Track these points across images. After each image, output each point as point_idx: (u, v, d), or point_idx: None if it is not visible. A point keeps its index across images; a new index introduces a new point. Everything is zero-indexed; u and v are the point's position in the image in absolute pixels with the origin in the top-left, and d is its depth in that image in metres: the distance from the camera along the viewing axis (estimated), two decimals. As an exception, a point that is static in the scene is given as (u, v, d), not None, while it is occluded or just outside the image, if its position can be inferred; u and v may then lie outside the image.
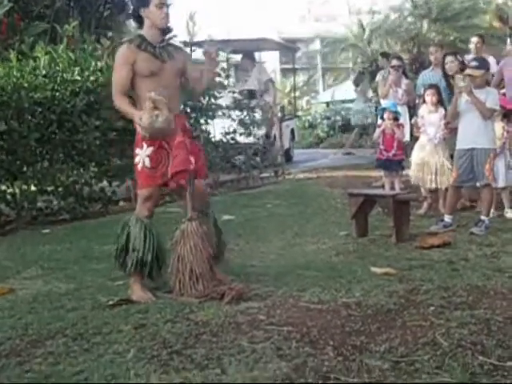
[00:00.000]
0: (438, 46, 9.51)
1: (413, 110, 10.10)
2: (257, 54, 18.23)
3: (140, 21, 4.76)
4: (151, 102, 4.47)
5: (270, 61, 24.18)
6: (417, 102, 8.96)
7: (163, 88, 4.58)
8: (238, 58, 15.87)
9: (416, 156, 7.75)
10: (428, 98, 7.71)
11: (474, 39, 9.50)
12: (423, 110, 7.79)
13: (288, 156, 16.35)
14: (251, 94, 13.77)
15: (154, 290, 4.67)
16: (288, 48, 19.25)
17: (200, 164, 4.77)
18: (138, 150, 4.70)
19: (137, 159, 4.70)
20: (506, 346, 3.34)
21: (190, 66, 4.93)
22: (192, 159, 4.60)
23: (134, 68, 4.62)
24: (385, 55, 14.83)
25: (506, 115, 7.35)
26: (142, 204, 4.76)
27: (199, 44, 12.34)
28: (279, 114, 15.72)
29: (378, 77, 14.95)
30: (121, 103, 4.67)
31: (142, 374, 3.21)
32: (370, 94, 16.70)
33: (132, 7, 4.81)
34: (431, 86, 7.90)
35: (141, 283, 4.67)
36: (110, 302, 4.41)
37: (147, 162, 4.65)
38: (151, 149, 4.63)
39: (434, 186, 7.50)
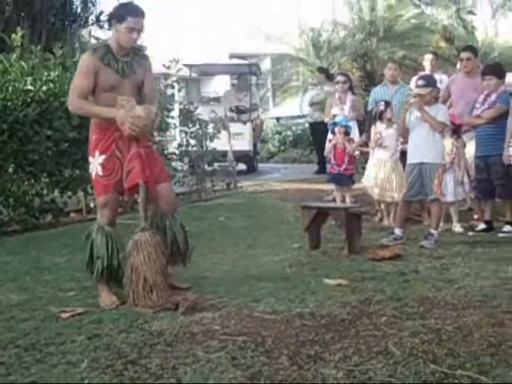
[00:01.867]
0: (397, 64, 9.56)
1: (362, 126, 10.24)
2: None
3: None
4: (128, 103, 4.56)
5: (221, 77, 24.29)
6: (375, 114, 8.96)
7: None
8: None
9: (376, 172, 7.86)
10: (381, 108, 7.88)
11: (428, 56, 9.64)
12: (380, 127, 7.92)
13: (255, 167, 17.88)
14: (240, 111, 16.29)
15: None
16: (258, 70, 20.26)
17: (159, 169, 4.86)
18: (90, 159, 4.77)
19: (90, 167, 4.79)
20: (456, 355, 3.41)
21: (148, 78, 4.93)
22: (147, 170, 4.64)
23: (96, 79, 4.63)
24: (322, 71, 15.08)
25: (455, 131, 7.52)
26: (100, 211, 4.84)
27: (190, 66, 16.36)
28: None
29: (314, 92, 15.18)
30: (84, 105, 4.67)
31: (97, 384, 3.19)
32: (307, 109, 16.83)
33: (110, 12, 4.81)
34: (384, 101, 8.07)
35: (107, 288, 4.72)
36: (63, 315, 4.36)
37: (99, 171, 4.71)
38: (103, 157, 4.69)
39: (394, 200, 7.61)
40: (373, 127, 8.12)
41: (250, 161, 16.90)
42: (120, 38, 4.65)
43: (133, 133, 4.56)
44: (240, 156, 15.32)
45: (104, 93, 4.66)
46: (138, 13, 4.67)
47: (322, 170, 14.41)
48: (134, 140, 4.64)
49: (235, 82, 21.23)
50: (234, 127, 14.87)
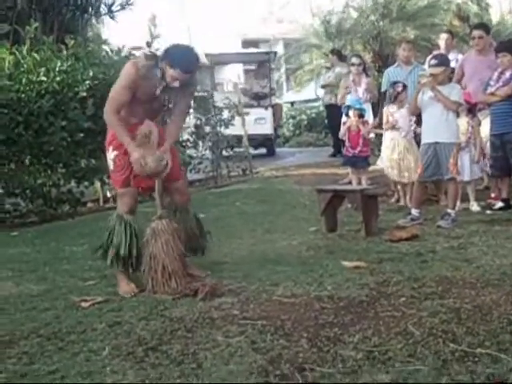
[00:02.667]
0: (412, 45, 9.43)
1: (376, 108, 10.18)
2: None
3: None
4: (145, 136, 4.57)
5: (233, 64, 24.34)
6: (388, 95, 8.87)
7: (150, 110, 4.70)
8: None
9: (390, 153, 7.84)
10: (399, 89, 7.85)
11: (444, 35, 9.53)
12: (391, 108, 7.90)
13: (274, 150, 18.73)
14: (259, 97, 17.50)
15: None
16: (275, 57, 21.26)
17: (174, 168, 4.85)
18: (107, 153, 4.83)
19: (108, 160, 4.85)
20: (475, 334, 3.41)
21: (184, 99, 4.86)
22: None
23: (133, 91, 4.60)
24: (335, 52, 15.03)
25: (470, 110, 7.48)
26: (119, 200, 4.89)
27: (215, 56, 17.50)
28: None
29: (328, 74, 15.16)
30: (115, 123, 4.60)
31: (118, 371, 3.21)
32: (320, 92, 17.15)
33: (166, 48, 4.65)
34: (397, 83, 8.02)
35: (126, 277, 4.74)
36: (83, 304, 4.40)
37: (111, 165, 4.78)
38: (115, 153, 4.73)
39: (410, 180, 7.57)
40: (385, 108, 8.10)
41: (271, 144, 17.82)
42: (166, 76, 4.57)
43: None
44: (262, 140, 16.78)
45: (135, 103, 4.64)
46: (189, 71, 4.58)
47: (336, 152, 14.43)
48: None
49: (248, 68, 21.55)
50: (257, 112, 16.24)
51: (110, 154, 4.76)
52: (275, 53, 20.74)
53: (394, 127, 7.83)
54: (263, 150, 18.00)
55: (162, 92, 4.66)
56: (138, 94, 4.63)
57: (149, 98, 4.67)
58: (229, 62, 21.52)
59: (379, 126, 8.66)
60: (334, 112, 13.97)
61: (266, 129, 16.93)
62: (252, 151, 13.83)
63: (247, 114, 14.89)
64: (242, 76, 22.37)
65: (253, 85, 18.35)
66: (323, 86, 15.05)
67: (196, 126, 11.49)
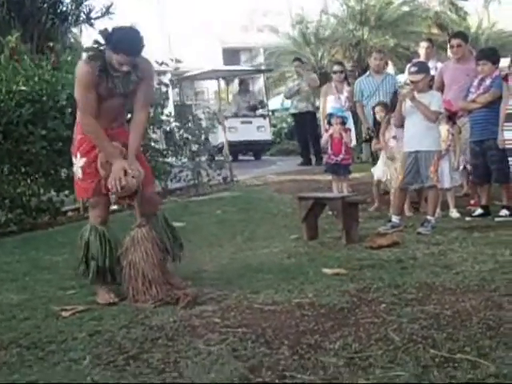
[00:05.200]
0: (383, 54, 9.51)
1: (356, 116, 10.24)
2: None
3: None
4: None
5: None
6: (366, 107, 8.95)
7: (112, 107, 4.61)
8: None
9: (391, 163, 7.74)
10: (377, 116, 7.90)
11: (424, 44, 9.57)
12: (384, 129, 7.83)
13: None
14: (253, 108, 19.00)
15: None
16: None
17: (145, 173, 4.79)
18: (73, 159, 4.75)
19: (74, 168, 4.77)
20: (455, 339, 3.43)
21: (142, 88, 4.70)
22: None
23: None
24: (299, 60, 15.37)
25: (450, 118, 7.52)
26: (91, 212, 4.83)
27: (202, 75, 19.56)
28: None
29: (292, 83, 15.32)
30: (97, 130, 4.52)
31: (99, 380, 3.20)
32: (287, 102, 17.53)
33: (108, 33, 4.50)
34: (379, 104, 8.05)
35: (105, 286, 4.71)
36: (64, 313, 4.37)
37: (79, 173, 4.69)
38: (84, 159, 4.65)
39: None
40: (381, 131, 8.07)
41: (267, 149, 19.90)
42: (111, 62, 4.46)
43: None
44: (263, 145, 19.03)
45: (97, 104, 4.55)
46: (133, 53, 4.47)
47: (306, 161, 14.61)
48: (124, 146, 4.65)
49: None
50: (257, 121, 18.57)
51: (79, 161, 4.66)
52: (270, 70, 23.29)
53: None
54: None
55: (117, 84, 4.54)
56: (97, 92, 4.52)
57: (108, 95, 4.56)
58: (231, 77, 22.37)
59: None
60: (306, 120, 14.20)
61: (266, 135, 18.91)
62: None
63: (250, 122, 18.09)
64: (222, 85, 22.54)
65: (239, 101, 19.15)
66: (291, 96, 14.99)
67: (165, 132, 11.30)
